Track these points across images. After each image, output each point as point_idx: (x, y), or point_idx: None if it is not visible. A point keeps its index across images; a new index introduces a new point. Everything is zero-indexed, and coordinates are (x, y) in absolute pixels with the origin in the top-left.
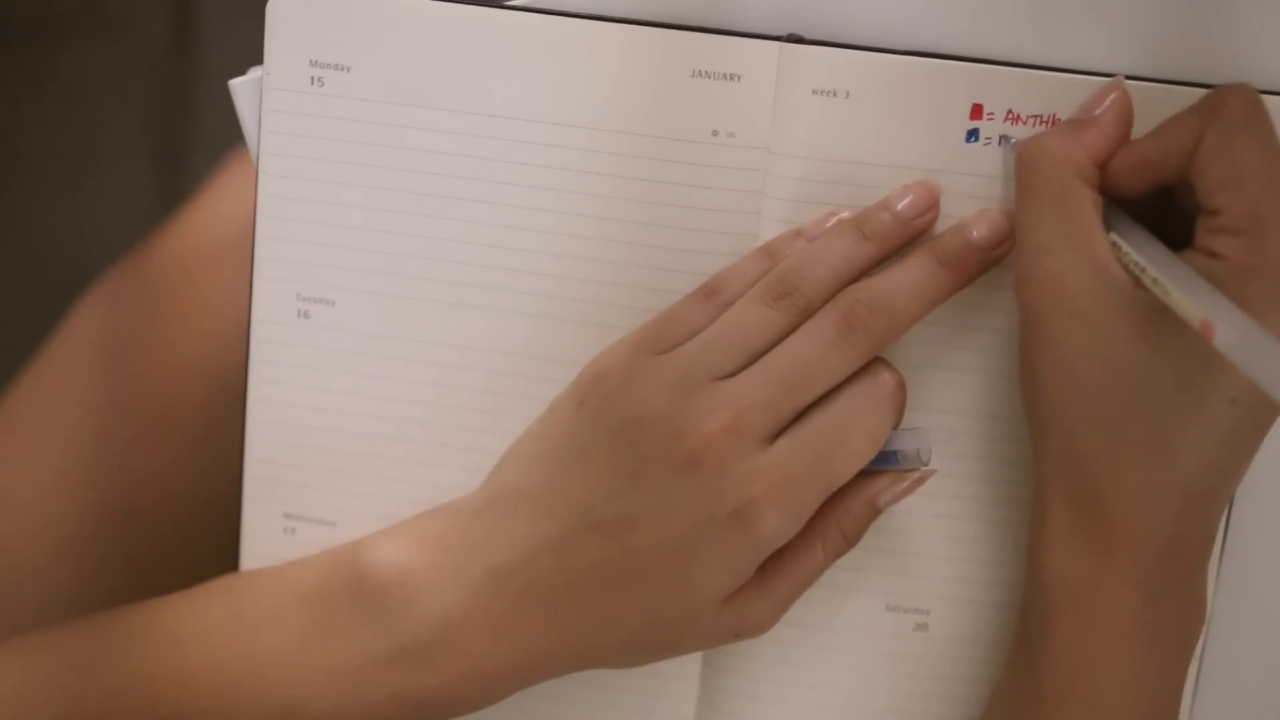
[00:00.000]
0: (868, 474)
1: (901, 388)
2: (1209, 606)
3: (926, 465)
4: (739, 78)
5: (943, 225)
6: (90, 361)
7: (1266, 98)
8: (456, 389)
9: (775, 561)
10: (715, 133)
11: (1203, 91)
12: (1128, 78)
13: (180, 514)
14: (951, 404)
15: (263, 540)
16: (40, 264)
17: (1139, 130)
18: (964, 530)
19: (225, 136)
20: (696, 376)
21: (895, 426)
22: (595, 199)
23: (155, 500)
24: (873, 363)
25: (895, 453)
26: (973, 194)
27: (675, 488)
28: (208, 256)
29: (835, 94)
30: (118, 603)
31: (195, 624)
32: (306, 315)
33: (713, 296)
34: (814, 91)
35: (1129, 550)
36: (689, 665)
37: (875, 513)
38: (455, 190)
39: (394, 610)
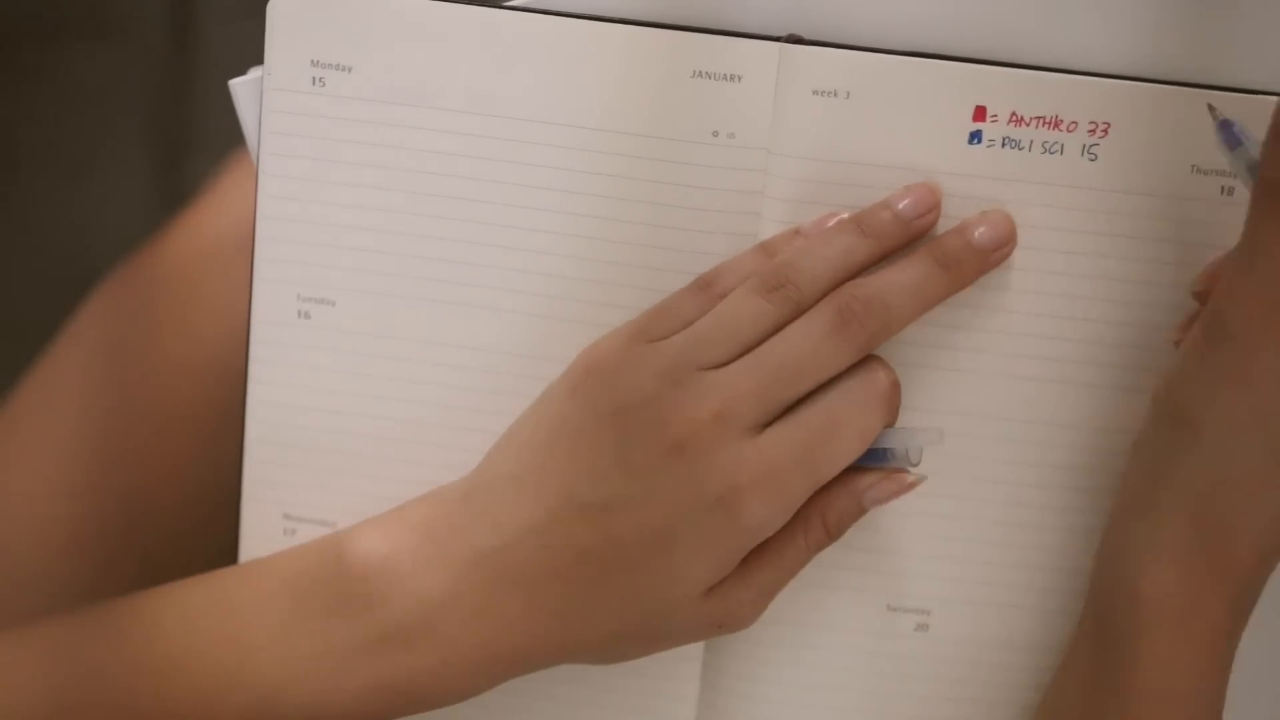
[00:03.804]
0: (856, 469)
1: (895, 387)
2: None
3: (916, 465)
4: (739, 78)
5: (942, 229)
6: (96, 362)
7: (1265, 98)
8: (457, 389)
9: (757, 551)
10: (715, 133)
11: (1204, 92)
12: (1127, 78)
13: (186, 513)
14: (955, 404)
15: (262, 541)
16: (40, 264)
17: (1144, 133)
18: (964, 530)
19: (225, 136)
20: (687, 365)
21: (889, 424)
22: (595, 199)
23: (161, 500)
24: (868, 360)
25: (885, 450)
26: (976, 196)
27: (661, 474)
28: (212, 257)
29: (836, 94)
30: None
31: (178, 612)
32: (307, 316)
33: (708, 288)
34: (814, 92)
35: (1237, 573)
36: (688, 665)
37: (860, 509)
38: (456, 190)
39: (376, 595)
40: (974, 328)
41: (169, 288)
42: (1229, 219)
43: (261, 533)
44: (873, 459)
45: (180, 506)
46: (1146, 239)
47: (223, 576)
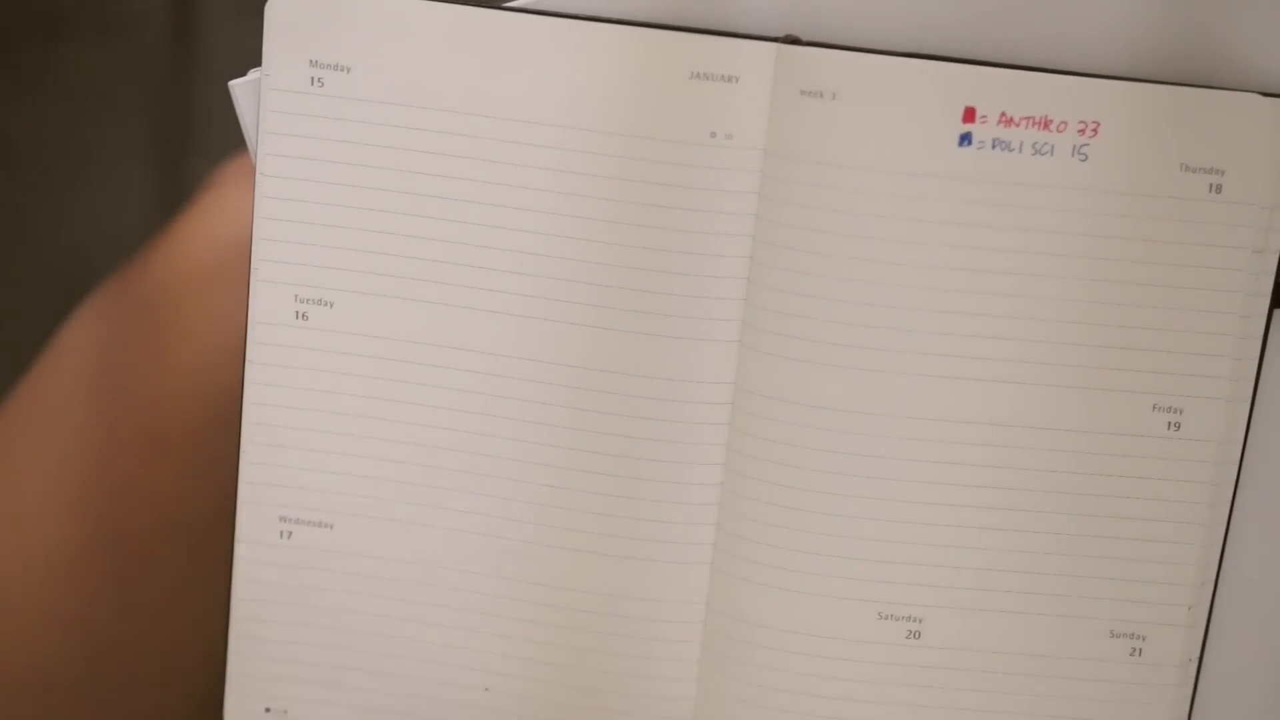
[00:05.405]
0: None
1: None
2: (1210, 607)
3: None
4: (737, 79)
5: (938, 231)
6: (80, 382)
7: (1267, 99)
8: (454, 390)
9: None
10: (713, 134)
11: (1194, 90)
12: (1126, 78)
13: (173, 536)
14: (941, 410)
15: (258, 545)
16: (39, 264)
17: (1141, 134)
18: (956, 536)
19: (225, 137)
20: None
21: None
22: (594, 201)
23: (147, 522)
24: None
25: None
26: (967, 200)
27: None
28: (197, 276)
29: (822, 95)
30: (110, 626)
31: None
32: (305, 317)
33: None
34: (802, 92)
35: None
36: (684, 669)
37: None
38: (455, 191)
39: None
40: (962, 334)
41: (152, 308)
42: (1217, 216)
43: (258, 536)
44: None
45: (165, 529)
46: (1137, 239)
47: None
